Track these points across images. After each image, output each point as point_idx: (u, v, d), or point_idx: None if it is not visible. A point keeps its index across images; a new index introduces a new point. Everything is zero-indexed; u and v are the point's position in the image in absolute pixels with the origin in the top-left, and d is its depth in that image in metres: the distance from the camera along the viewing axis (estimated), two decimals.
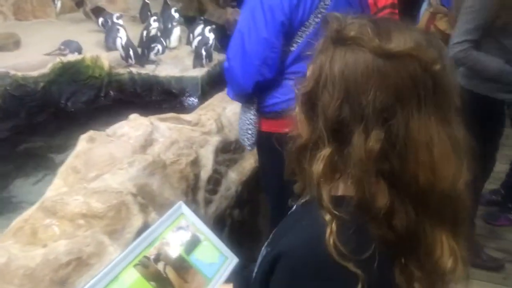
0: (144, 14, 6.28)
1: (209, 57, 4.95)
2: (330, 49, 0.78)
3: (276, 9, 1.78)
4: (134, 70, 4.57)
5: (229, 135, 2.34)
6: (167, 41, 5.24)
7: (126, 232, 1.51)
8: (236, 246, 1.79)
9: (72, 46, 4.51)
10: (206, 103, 2.71)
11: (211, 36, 5.03)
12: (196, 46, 5.13)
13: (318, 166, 0.77)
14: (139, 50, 4.76)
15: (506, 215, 3.27)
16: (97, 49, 4.84)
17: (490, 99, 2.45)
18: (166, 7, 6.25)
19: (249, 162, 2.40)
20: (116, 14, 5.17)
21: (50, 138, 3.78)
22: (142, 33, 5.26)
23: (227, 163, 2.27)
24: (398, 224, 0.72)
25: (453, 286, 0.82)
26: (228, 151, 2.29)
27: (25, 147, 3.65)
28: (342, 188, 0.80)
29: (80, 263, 1.38)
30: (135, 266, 1.27)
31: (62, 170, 1.81)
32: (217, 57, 5.31)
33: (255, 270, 0.95)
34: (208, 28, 5.12)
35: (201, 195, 1.97)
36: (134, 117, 2.10)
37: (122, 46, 4.50)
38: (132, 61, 4.56)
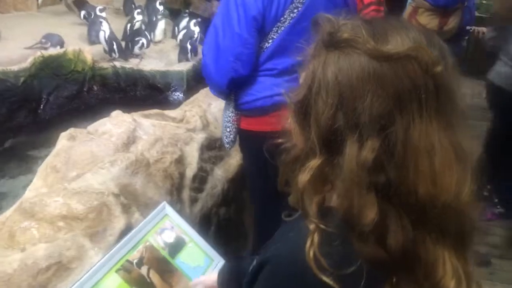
0: (128, 7, 6.18)
1: (194, 51, 4.89)
2: (323, 53, 0.74)
3: (249, 4, 1.76)
4: (118, 64, 4.48)
5: (215, 132, 2.30)
6: (152, 34, 5.16)
7: (108, 235, 1.46)
8: (222, 245, 1.76)
9: (53, 39, 4.41)
10: (191, 98, 2.66)
11: (196, 30, 4.96)
12: (181, 40, 5.06)
13: (304, 177, 0.72)
14: (123, 43, 4.68)
15: (493, 210, 3.28)
16: (79, 43, 4.74)
17: None
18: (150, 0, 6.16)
19: (235, 159, 2.35)
20: (99, 7, 5.07)
21: (32, 135, 3.69)
22: (126, 26, 5.17)
23: (213, 160, 2.22)
24: (393, 243, 0.67)
25: None
26: (214, 148, 2.25)
27: (7, 144, 3.56)
28: (334, 199, 0.75)
29: (60, 267, 1.33)
30: (117, 271, 1.23)
31: (41, 169, 1.75)
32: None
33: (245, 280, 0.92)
34: (193, 21, 5.05)
35: (186, 194, 1.92)
36: (116, 114, 2.04)
37: (106, 40, 4.41)
38: (115, 55, 4.47)
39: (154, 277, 1.29)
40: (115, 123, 1.95)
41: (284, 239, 0.79)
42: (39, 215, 1.47)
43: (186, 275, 1.36)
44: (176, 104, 4.15)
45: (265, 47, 1.85)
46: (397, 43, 0.69)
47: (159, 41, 5.40)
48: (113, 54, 4.46)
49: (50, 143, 3.29)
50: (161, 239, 1.38)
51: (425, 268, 0.69)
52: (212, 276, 1.23)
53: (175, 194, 1.83)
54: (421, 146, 0.67)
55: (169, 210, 1.46)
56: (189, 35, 4.92)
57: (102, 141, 1.83)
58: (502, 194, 3.32)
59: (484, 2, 6.64)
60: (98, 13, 4.88)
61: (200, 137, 2.15)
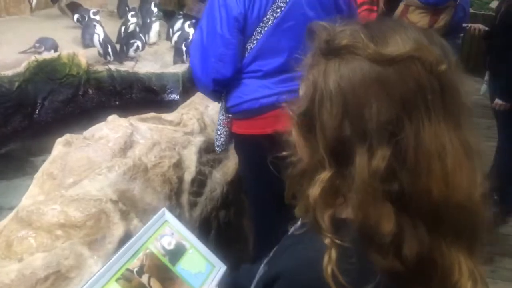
0: (121, 9, 6.15)
1: (189, 52, 4.87)
2: (322, 62, 0.71)
3: (230, 4, 1.75)
4: (113, 67, 4.46)
5: (212, 135, 2.26)
6: (146, 36, 5.14)
7: (107, 242, 1.43)
8: (223, 249, 1.73)
9: (47, 43, 4.38)
10: (188, 101, 2.64)
11: (191, 31, 4.94)
12: (176, 42, 5.04)
13: (314, 190, 0.70)
14: (118, 46, 4.66)
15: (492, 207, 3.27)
16: (73, 46, 4.72)
17: None
18: (144, 1, 6.13)
19: (233, 161, 2.33)
20: (93, 10, 5.05)
21: (28, 140, 3.66)
22: (120, 29, 5.15)
23: (211, 163, 2.20)
24: (408, 253, 0.65)
25: None
26: (212, 151, 2.22)
27: (3, 150, 3.53)
28: (346, 212, 0.73)
29: (59, 277, 1.31)
30: (117, 280, 1.20)
31: (37, 176, 1.73)
32: None
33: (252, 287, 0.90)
34: (188, 23, 5.03)
35: (185, 198, 1.90)
36: (113, 118, 2.01)
37: (100, 43, 4.38)
38: (110, 58, 4.45)
39: (155, 286, 1.26)
40: (112, 128, 1.93)
41: (294, 252, 0.76)
42: (37, 223, 1.44)
43: (188, 282, 1.33)
44: (172, 106, 4.14)
45: (249, 48, 1.84)
46: (398, 45, 0.67)
47: (154, 43, 5.37)
48: (108, 57, 4.44)
49: (46, 148, 3.26)
50: (161, 246, 1.35)
51: (441, 273, 0.68)
52: None
53: (174, 198, 1.81)
54: (432, 148, 0.66)
55: (168, 216, 1.44)
56: (184, 37, 4.90)
57: (99, 147, 1.81)
58: (502, 191, 3.31)
59: None
60: (92, 16, 4.85)
61: (198, 140, 2.13)
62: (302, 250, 0.75)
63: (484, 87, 3.64)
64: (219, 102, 2.01)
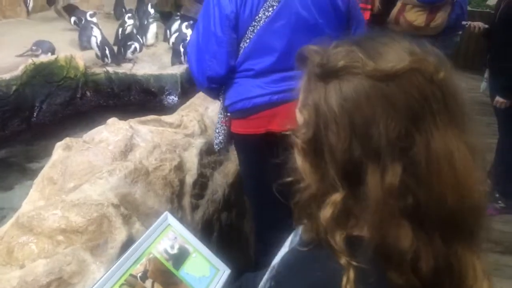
0: (118, 11, 6.13)
1: (187, 53, 4.85)
2: (320, 85, 0.71)
3: (223, 3, 1.78)
4: (110, 69, 4.45)
5: (213, 136, 2.26)
6: (144, 38, 5.12)
7: (109, 247, 1.41)
8: (226, 251, 1.72)
9: (44, 46, 4.36)
10: (188, 103, 2.62)
11: (188, 32, 4.93)
12: (173, 43, 5.02)
13: (327, 211, 0.69)
14: (115, 48, 4.64)
15: (493, 205, 3.27)
16: (71, 49, 4.70)
17: None
18: (141, 3, 6.12)
19: (234, 163, 2.32)
20: (90, 12, 5.04)
21: (26, 144, 3.64)
22: (117, 31, 5.13)
23: (212, 165, 2.19)
24: (424, 268, 0.65)
25: None
26: (213, 153, 2.21)
27: (1, 155, 3.50)
28: (358, 230, 0.72)
29: (61, 283, 1.29)
30: (121, 286, 1.19)
31: (37, 181, 1.71)
32: None
33: None
34: (185, 24, 5.02)
35: (187, 201, 1.88)
36: (113, 121, 1.99)
37: (98, 45, 4.36)
38: (108, 60, 4.43)
39: None
40: (112, 131, 1.91)
41: (307, 275, 0.74)
42: (37, 229, 1.42)
43: (192, 286, 1.32)
44: (171, 108, 4.12)
45: (243, 47, 1.86)
46: (395, 59, 0.67)
47: (151, 45, 5.36)
48: (106, 60, 4.42)
49: (45, 152, 3.25)
50: (165, 250, 1.34)
51: (457, 278, 0.68)
52: None
53: (175, 201, 1.79)
54: (442, 157, 0.66)
55: (171, 220, 1.43)
56: (181, 38, 4.88)
57: (99, 150, 1.79)
58: (503, 189, 3.31)
59: None
60: (89, 18, 4.84)
61: (198, 142, 2.11)
62: (317, 270, 0.72)
63: (484, 85, 3.63)
64: (217, 100, 2.04)
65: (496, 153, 3.38)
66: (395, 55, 0.68)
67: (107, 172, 1.64)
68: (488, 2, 6.52)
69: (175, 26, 5.38)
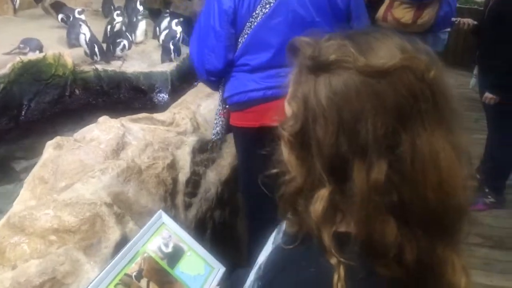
0: (107, 8, 6.07)
1: (177, 51, 4.82)
2: (311, 78, 0.70)
3: None
4: (99, 67, 4.40)
5: (206, 134, 2.25)
6: (133, 35, 5.08)
7: (103, 247, 1.40)
8: (219, 249, 1.72)
9: (32, 44, 4.30)
10: (179, 100, 2.60)
11: (178, 29, 4.90)
12: (163, 40, 4.99)
13: (317, 207, 0.69)
14: (104, 46, 4.59)
15: (483, 200, 3.30)
16: (59, 46, 4.64)
17: None
18: (129, 0, 6.06)
19: (227, 160, 2.31)
20: (78, 9, 4.98)
21: (15, 143, 3.59)
22: (106, 28, 5.08)
23: (205, 163, 2.18)
24: (409, 260, 0.65)
25: None
26: (205, 150, 2.20)
27: None
28: (345, 225, 0.72)
29: (54, 283, 1.27)
30: (116, 285, 1.19)
31: (28, 180, 1.69)
32: (186, 51, 5.18)
33: None
34: (175, 21, 4.99)
35: (180, 199, 1.87)
36: (104, 120, 1.97)
37: (87, 43, 4.32)
38: (97, 57, 4.38)
39: None
40: (103, 129, 1.89)
41: (296, 273, 0.74)
42: (29, 229, 1.40)
43: (187, 285, 1.31)
44: (161, 106, 4.09)
45: (240, 42, 1.90)
46: (386, 55, 0.67)
47: (141, 42, 5.31)
48: (95, 57, 4.38)
49: (34, 151, 3.21)
50: (159, 249, 1.33)
51: (437, 274, 0.69)
52: None
53: (169, 200, 1.78)
54: (427, 156, 0.66)
55: (165, 218, 1.42)
56: (171, 35, 4.85)
57: (91, 149, 1.77)
58: (492, 184, 3.34)
59: None
60: (77, 15, 4.78)
61: (191, 140, 2.10)
62: (307, 269, 0.72)
63: (473, 81, 3.66)
64: (217, 91, 2.10)
65: (485, 149, 3.41)
66: (387, 51, 0.67)
67: (99, 171, 1.63)
68: None
69: (164, 23, 5.34)
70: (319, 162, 0.68)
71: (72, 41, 4.70)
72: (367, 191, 0.65)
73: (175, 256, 1.35)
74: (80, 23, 4.44)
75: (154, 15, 6.34)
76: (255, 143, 1.93)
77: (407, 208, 0.65)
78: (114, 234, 1.44)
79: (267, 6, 1.82)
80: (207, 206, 2.05)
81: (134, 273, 1.23)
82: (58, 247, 1.37)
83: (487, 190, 3.33)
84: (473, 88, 3.66)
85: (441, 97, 0.67)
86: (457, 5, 4.44)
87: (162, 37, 5.06)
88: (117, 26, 5.03)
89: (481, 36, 3.34)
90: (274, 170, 0.81)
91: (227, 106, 2.04)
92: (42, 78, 4.08)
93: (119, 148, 1.84)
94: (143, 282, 1.23)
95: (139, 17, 5.31)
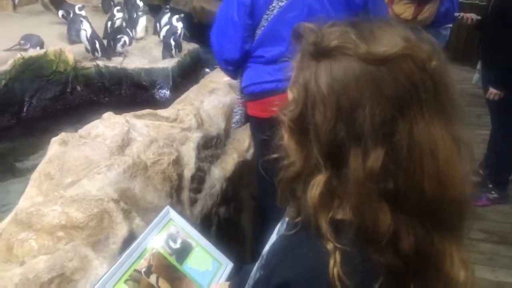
0: (106, 4, 6.06)
1: (178, 47, 4.82)
2: (312, 64, 0.70)
3: None
4: (101, 63, 4.40)
5: (210, 130, 2.24)
6: (133, 31, 5.07)
7: (111, 243, 1.39)
8: (225, 245, 1.71)
9: (33, 40, 4.30)
10: (183, 96, 2.59)
11: (179, 25, 4.90)
12: (164, 36, 4.98)
13: (313, 193, 0.70)
14: (105, 42, 4.58)
15: (487, 195, 3.30)
16: (60, 43, 4.64)
17: None
18: None
19: (231, 156, 2.31)
20: (78, 5, 4.97)
21: (17, 140, 3.59)
22: (106, 24, 5.07)
23: (210, 159, 2.17)
24: (406, 249, 0.66)
25: None
26: (210, 146, 2.19)
27: None
28: (342, 213, 0.72)
29: (63, 280, 1.27)
30: (125, 281, 1.18)
31: (34, 177, 1.68)
32: (187, 47, 5.18)
33: None
34: (176, 17, 4.98)
35: (185, 195, 1.87)
36: (108, 116, 1.96)
37: (88, 39, 4.32)
38: (98, 54, 4.39)
39: (164, 286, 1.24)
40: (108, 125, 1.88)
41: (299, 257, 0.75)
42: (37, 225, 1.40)
43: (195, 281, 1.31)
44: (163, 102, 4.09)
45: (257, 34, 1.94)
46: (389, 43, 0.67)
47: (141, 38, 5.31)
48: (96, 53, 4.38)
49: (36, 148, 3.20)
50: (168, 245, 1.33)
51: (434, 265, 0.69)
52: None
53: (174, 196, 1.77)
54: (425, 146, 0.66)
55: (173, 214, 1.41)
56: (172, 31, 4.85)
57: (96, 145, 1.76)
58: (496, 179, 3.34)
59: None
60: (77, 11, 4.77)
61: (196, 136, 2.09)
62: (306, 254, 0.73)
63: (476, 76, 3.66)
64: (235, 80, 2.19)
65: (488, 144, 3.41)
66: (389, 40, 0.67)
67: (105, 167, 1.62)
68: None
69: (165, 19, 5.33)
70: (316, 148, 0.69)
71: (73, 37, 4.69)
72: (362, 178, 0.65)
73: (183, 252, 1.35)
74: (81, 19, 4.44)
75: (154, 11, 6.33)
76: (265, 133, 1.96)
77: (403, 197, 0.66)
78: (121, 230, 1.43)
79: None
80: (212, 202, 2.05)
81: (144, 269, 1.23)
82: (66, 243, 1.37)
83: (490, 186, 3.33)
84: (476, 83, 3.65)
85: (443, 88, 0.67)
86: (461, 0, 4.43)
87: (163, 33, 5.06)
88: (118, 22, 5.02)
89: (484, 31, 3.33)
90: (274, 155, 0.81)
91: (244, 95, 2.10)
92: (43, 75, 4.08)
93: (124, 144, 1.83)
94: (152, 278, 1.23)
95: (139, 13, 5.30)
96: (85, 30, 4.33)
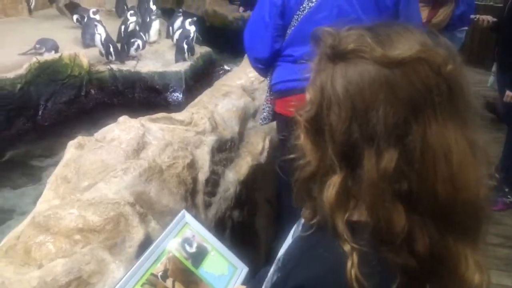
0: (120, 8, 6.12)
1: (191, 50, 4.85)
2: (329, 67, 0.72)
3: None
4: (114, 67, 4.44)
5: (224, 133, 2.24)
6: (146, 35, 5.11)
7: (127, 246, 1.40)
8: (239, 249, 1.71)
9: (48, 44, 4.35)
10: (196, 100, 2.60)
11: (192, 29, 4.93)
12: (177, 40, 5.01)
13: (330, 193, 0.70)
14: (118, 46, 4.62)
15: (503, 200, 3.26)
16: (74, 47, 4.69)
17: None
18: (142, 0, 6.10)
19: (245, 160, 2.31)
20: (92, 9, 5.02)
21: (33, 144, 3.63)
22: (120, 28, 5.12)
23: (224, 162, 2.17)
24: (421, 250, 0.66)
25: None
26: (224, 150, 2.20)
27: (8, 155, 3.49)
28: (358, 214, 0.73)
29: (81, 283, 1.28)
30: (142, 285, 1.19)
31: (51, 180, 1.69)
32: (200, 50, 5.20)
33: None
34: (188, 20, 5.01)
35: (200, 198, 1.87)
36: (124, 119, 1.98)
37: (102, 43, 4.36)
38: (112, 57, 4.42)
39: None
40: (123, 129, 1.89)
41: (315, 259, 0.75)
42: (54, 228, 1.41)
43: (211, 285, 1.32)
44: (176, 105, 4.11)
45: (288, 34, 1.98)
46: (404, 47, 0.68)
47: (154, 42, 5.35)
48: (110, 57, 4.41)
49: (51, 151, 3.24)
50: (184, 249, 1.34)
51: (448, 267, 0.69)
52: None
53: (189, 199, 1.78)
54: (438, 149, 0.66)
55: (189, 218, 1.42)
56: (185, 35, 4.88)
57: (112, 149, 1.77)
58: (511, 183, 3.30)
59: None
60: (92, 15, 4.82)
61: (210, 140, 2.10)
62: (322, 255, 0.73)
63: (491, 79, 3.62)
64: (265, 77, 2.23)
65: (504, 147, 3.37)
66: (406, 44, 0.68)
67: (121, 170, 1.63)
68: None
69: (177, 22, 5.37)
70: (331, 148, 0.71)
71: (87, 41, 4.74)
72: (376, 179, 0.66)
73: (199, 256, 1.35)
74: (96, 23, 4.48)
75: (167, 14, 6.37)
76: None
77: (417, 198, 0.66)
78: (138, 234, 1.44)
79: (314, 0, 1.88)
80: (226, 205, 2.05)
81: (160, 273, 1.23)
82: (83, 246, 1.38)
83: (506, 190, 3.29)
84: (492, 86, 3.61)
85: (458, 92, 0.68)
86: (477, 2, 4.39)
87: (176, 36, 5.09)
88: (131, 26, 5.06)
89: (500, 33, 3.30)
90: (291, 156, 0.82)
91: (272, 93, 2.14)
92: (58, 78, 4.13)
93: (139, 147, 1.84)
94: (169, 282, 1.23)
95: (153, 17, 5.35)
96: (100, 34, 4.37)
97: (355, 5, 1.84)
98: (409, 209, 0.66)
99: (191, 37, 4.87)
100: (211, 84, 2.96)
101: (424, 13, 3.61)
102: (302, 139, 0.78)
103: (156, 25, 5.34)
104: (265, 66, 2.11)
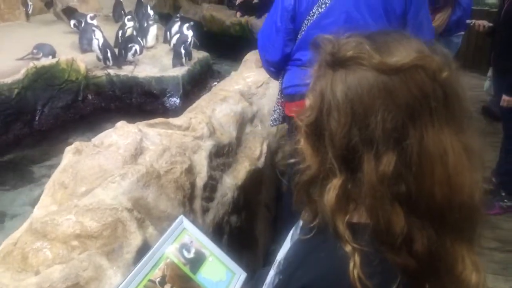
0: (117, 13, 6.13)
1: (188, 55, 4.85)
2: (329, 73, 0.75)
3: None
4: (112, 72, 4.44)
5: (222, 138, 2.24)
6: (144, 40, 5.11)
7: (125, 252, 1.40)
8: (236, 253, 1.71)
9: (45, 49, 4.35)
10: (194, 105, 2.60)
11: (189, 34, 4.94)
12: (174, 45, 5.02)
13: (330, 196, 0.73)
14: (116, 51, 4.62)
15: (500, 204, 3.26)
16: (71, 52, 4.69)
17: None
18: (140, 5, 6.11)
19: (243, 165, 2.31)
20: (90, 14, 5.02)
21: (30, 148, 3.62)
22: (117, 33, 5.12)
23: (222, 167, 2.17)
24: (420, 250, 0.69)
25: None
26: (222, 155, 2.20)
27: (5, 159, 3.48)
28: (357, 216, 0.75)
29: None
30: None
31: (49, 186, 1.69)
32: (197, 55, 5.21)
33: None
34: (186, 25, 5.02)
35: (197, 204, 1.87)
36: (121, 125, 1.98)
37: (99, 48, 4.36)
38: (110, 62, 4.42)
39: None
40: (121, 134, 1.89)
41: (315, 260, 0.77)
42: (52, 234, 1.41)
43: None
44: (173, 110, 4.11)
45: (298, 39, 2.02)
46: (401, 54, 0.70)
47: (151, 47, 5.35)
48: (108, 62, 4.41)
49: (48, 156, 3.23)
50: (182, 255, 1.33)
51: (446, 267, 0.71)
52: None
53: (187, 205, 1.78)
54: (435, 153, 0.69)
55: (187, 223, 1.41)
56: (182, 40, 4.89)
57: (110, 154, 1.77)
58: (508, 187, 3.30)
59: None
60: (89, 21, 4.83)
61: (208, 145, 2.10)
62: (324, 258, 0.75)
63: (487, 83, 3.63)
64: (277, 80, 2.28)
65: (500, 152, 3.37)
66: (403, 51, 0.70)
67: (119, 176, 1.63)
68: (487, 0, 6.53)
69: (175, 27, 5.38)
70: (331, 152, 0.73)
71: (84, 46, 4.74)
72: (375, 181, 0.68)
73: (197, 261, 1.35)
74: (93, 28, 4.49)
75: (164, 19, 6.38)
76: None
77: (415, 200, 0.69)
78: (135, 239, 1.44)
79: (323, 6, 1.92)
80: (224, 210, 2.05)
81: (158, 279, 1.23)
82: (81, 252, 1.37)
83: (503, 194, 3.29)
84: (487, 91, 3.63)
85: (454, 97, 0.70)
86: (474, 7, 4.41)
87: (173, 41, 5.09)
88: (129, 31, 5.07)
89: (496, 38, 3.31)
90: (292, 160, 0.85)
91: (283, 96, 2.18)
92: (55, 84, 4.12)
93: (137, 153, 1.84)
94: None
95: (150, 22, 5.35)
96: (97, 39, 4.37)
97: (364, 12, 1.86)
98: (408, 211, 0.69)
99: (188, 42, 4.88)
100: (209, 89, 2.96)
101: None
102: (303, 144, 0.80)
103: (153, 30, 5.34)
104: (276, 69, 2.16)
